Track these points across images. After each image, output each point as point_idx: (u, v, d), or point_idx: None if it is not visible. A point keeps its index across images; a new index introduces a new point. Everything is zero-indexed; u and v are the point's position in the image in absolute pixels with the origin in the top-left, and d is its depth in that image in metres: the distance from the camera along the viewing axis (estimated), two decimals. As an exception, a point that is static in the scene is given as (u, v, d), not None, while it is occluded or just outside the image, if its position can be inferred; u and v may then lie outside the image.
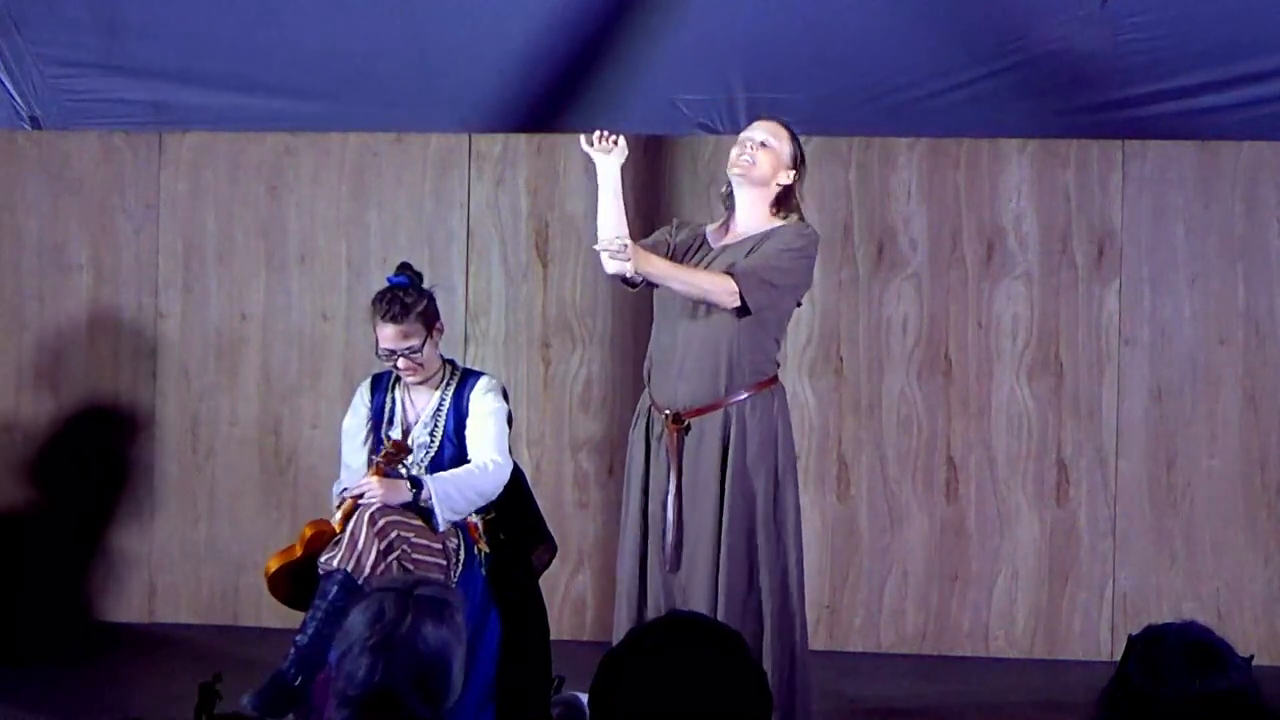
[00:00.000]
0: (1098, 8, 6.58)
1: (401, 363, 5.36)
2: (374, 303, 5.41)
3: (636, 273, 5.03)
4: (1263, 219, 6.93)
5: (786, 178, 5.24)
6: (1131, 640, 2.73)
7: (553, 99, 7.10)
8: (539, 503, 5.74)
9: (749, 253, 5.13)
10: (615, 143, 5.22)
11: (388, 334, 5.34)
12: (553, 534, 5.71)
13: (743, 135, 5.31)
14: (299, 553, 5.28)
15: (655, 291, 5.25)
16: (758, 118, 5.44)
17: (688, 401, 5.12)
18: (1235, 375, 6.92)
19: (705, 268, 5.16)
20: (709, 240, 5.28)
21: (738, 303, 5.04)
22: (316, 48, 7.00)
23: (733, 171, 5.25)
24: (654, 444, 5.18)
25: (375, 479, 5.23)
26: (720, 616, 4.93)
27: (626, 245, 4.99)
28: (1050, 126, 6.96)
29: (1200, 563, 6.92)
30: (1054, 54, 6.74)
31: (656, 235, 5.37)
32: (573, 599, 7.13)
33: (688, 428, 5.10)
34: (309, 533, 5.30)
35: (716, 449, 5.09)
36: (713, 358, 5.10)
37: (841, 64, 6.86)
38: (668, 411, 5.13)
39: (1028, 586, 6.97)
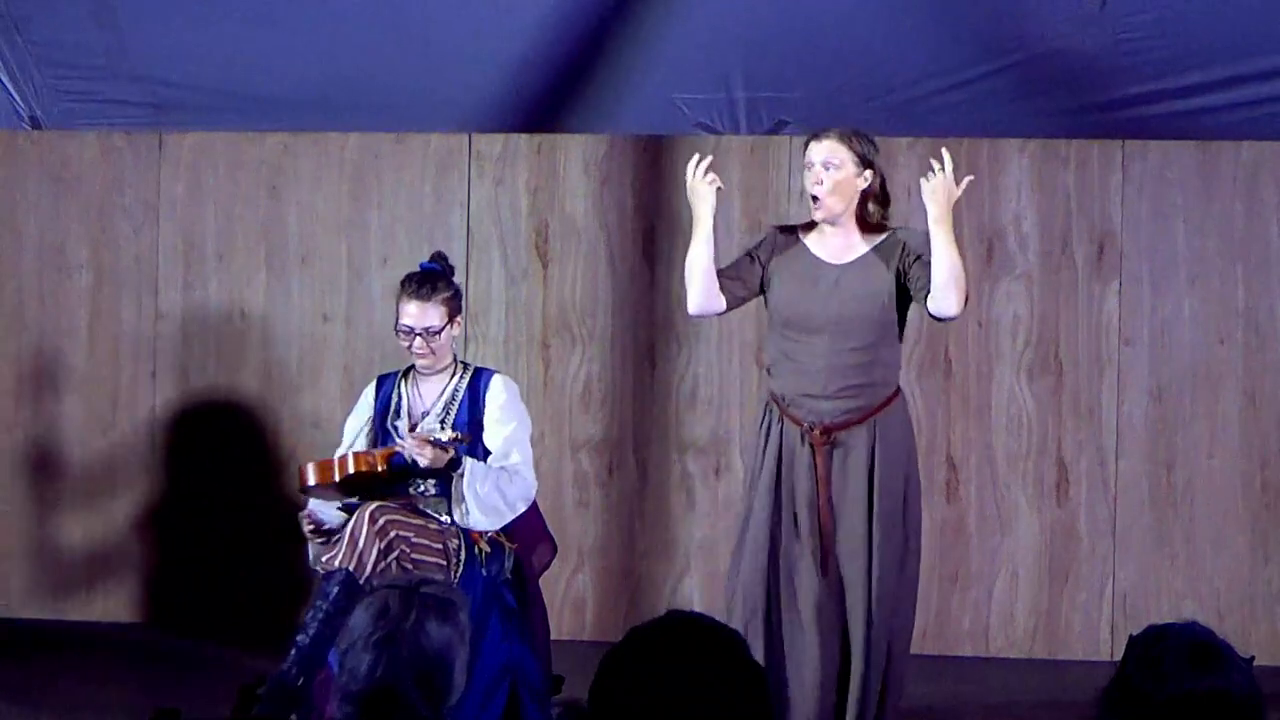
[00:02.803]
0: (1097, 8, 6.58)
1: (417, 343, 5.37)
2: (402, 282, 5.47)
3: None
4: (1263, 219, 6.93)
5: (864, 182, 5.18)
6: (1131, 640, 2.73)
7: (553, 99, 7.10)
8: (539, 503, 5.74)
9: (910, 265, 5.10)
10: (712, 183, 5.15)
11: (410, 310, 5.37)
12: (552, 534, 5.72)
13: (809, 156, 5.15)
14: (336, 478, 5.24)
15: (786, 306, 5.15)
16: (813, 136, 5.20)
17: (836, 418, 5.09)
18: (1235, 375, 6.91)
19: (830, 289, 5.11)
20: (810, 249, 5.19)
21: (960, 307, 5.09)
22: (317, 47, 7.00)
23: (817, 214, 5.17)
24: (793, 452, 5.11)
25: (425, 444, 5.22)
26: (872, 615, 5.09)
27: None
28: (1050, 127, 6.96)
29: (1200, 563, 6.92)
30: (1054, 54, 6.74)
31: (741, 261, 5.26)
32: (573, 599, 7.12)
33: (835, 442, 5.09)
34: (351, 468, 5.24)
35: (864, 462, 5.09)
36: (861, 374, 5.09)
37: (841, 63, 6.85)
38: (812, 426, 5.09)
39: (1028, 586, 6.97)
